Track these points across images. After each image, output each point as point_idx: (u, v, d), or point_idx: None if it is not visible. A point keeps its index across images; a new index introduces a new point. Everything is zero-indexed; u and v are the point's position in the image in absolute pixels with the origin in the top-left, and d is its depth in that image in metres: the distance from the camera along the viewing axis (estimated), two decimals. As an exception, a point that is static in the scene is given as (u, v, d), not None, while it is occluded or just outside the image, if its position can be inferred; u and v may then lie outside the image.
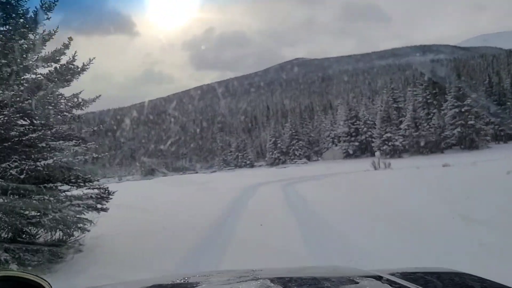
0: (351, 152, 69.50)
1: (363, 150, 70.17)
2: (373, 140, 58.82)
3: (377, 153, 23.83)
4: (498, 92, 61.84)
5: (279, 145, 78.91)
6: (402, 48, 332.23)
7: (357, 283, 1.39)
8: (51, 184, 5.76)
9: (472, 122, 52.26)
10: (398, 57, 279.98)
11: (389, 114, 56.11)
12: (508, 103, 59.97)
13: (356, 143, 68.25)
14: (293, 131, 79.27)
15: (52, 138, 5.98)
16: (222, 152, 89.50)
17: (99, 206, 6.42)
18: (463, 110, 52.60)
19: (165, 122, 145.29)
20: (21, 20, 5.74)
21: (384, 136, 54.32)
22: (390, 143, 53.98)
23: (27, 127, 5.81)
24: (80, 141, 6.32)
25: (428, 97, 60.98)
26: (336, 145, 74.60)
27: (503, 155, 37.05)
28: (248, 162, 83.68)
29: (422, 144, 52.70)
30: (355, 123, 68.55)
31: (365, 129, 67.60)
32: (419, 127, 54.65)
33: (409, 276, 1.68)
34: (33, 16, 5.82)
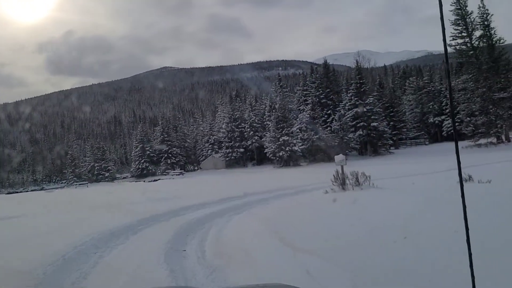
0: (234, 159, 58.95)
1: (250, 157, 60.15)
2: (265, 145, 48.98)
3: (339, 157, 12.31)
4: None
5: (148, 152, 64.36)
6: (266, 62, 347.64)
7: None
8: None
9: (375, 123, 46.01)
10: (262, 70, 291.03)
11: (285, 114, 46.83)
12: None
13: (241, 149, 57.96)
14: (165, 135, 65.60)
15: None
16: (72, 163, 70.69)
17: None
18: (365, 110, 46.08)
19: (10, 130, 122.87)
20: None
21: (280, 140, 44.71)
22: (287, 148, 44.59)
23: None
24: None
25: (321, 96, 53.84)
26: (217, 152, 63.32)
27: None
28: (107, 174, 66.99)
29: (323, 149, 44.48)
30: (240, 126, 58.29)
31: (251, 132, 57.77)
32: (319, 130, 46.53)
33: None
34: None
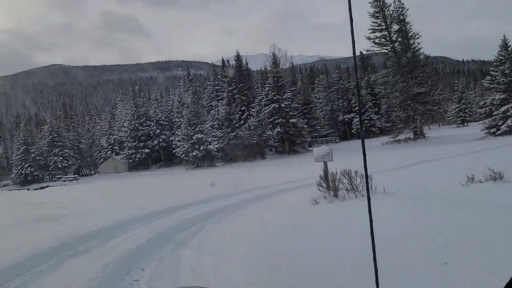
0: (139, 161, 52.64)
1: (156, 158, 54.17)
2: (175, 144, 43.85)
3: (321, 150, 8.35)
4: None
5: (33, 155, 54.72)
6: (166, 62, 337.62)
7: None
8: None
9: (294, 120, 43.61)
10: (162, 70, 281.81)
11: (198, 110, 42.17)
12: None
13: (147, 150, 51.83)
14: (55, 135, 56.49)
15: None
16: None
17: None
18: (283, 105, 43.44)
19: None
20: None
21: (194, 138, 39.95)
22: (202, 147, 40.01)
23: None
24: None
25: (235, 91, 50.19)
26: (118, 154, 56.23)
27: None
28: (-20, 182, 55.68)
29: (241, 147, 40.85)
30: (145, 124, 52.15)
31: (158, 131, 52.01)
32: (235, 126, 42.80)
33: None
34: None
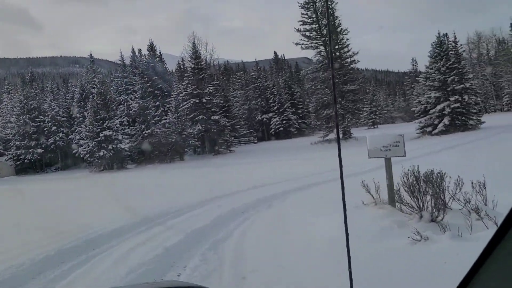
0: (29, 163, 44.43)
1: (52, 159, 46.14)
2: (79, 142, 37.24)
3: (377, 137, 4.72)
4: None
5: None
6: (61, 58, 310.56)
7: None
8: None
9: (216, 117, 39.75)
10: (56, 66, 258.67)
11: (106, 102, 36.16)
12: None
13: (39, 150, 43.74)
14: None
15: None
16: None
17: None
18: (204, 100, 39.36)
19: None
20: None
21: (101, 135, 33.89)
22: (111, 146, 34.11)
23: None
24: None
25: (148, 85, 44.70)
26: (2, 155, 47.08)
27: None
28: None
29: (158, 146, 35.86)
30: (37, 119, 44.06)
31: (54, 128, 44.31)
32: (151, 123, 37.67)
33: None
34: None
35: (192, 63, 40.91)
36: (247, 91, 63.08)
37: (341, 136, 36.14)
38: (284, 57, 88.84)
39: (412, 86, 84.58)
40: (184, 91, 40.30)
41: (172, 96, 42.17)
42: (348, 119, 35.60)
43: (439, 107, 27.88)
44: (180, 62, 50.69)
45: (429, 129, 28.22)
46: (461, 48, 33.40)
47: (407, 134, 32.48)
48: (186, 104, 39.53)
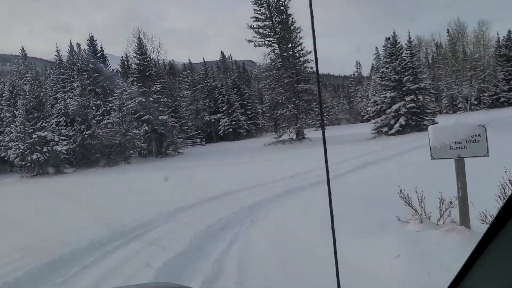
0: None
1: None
2: (8, 145, 33.32)
3: (448, 128, 3.37)
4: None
5: None
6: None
7: None
8: None
9: (164, 117, 37.38)
10: None
11: (41, 100, 32.60)
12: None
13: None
14: None
15: None
16: None
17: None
18: (150, 99, 36.86)
19: None
20: None
21: (34, 136, 30.34)
22: (46, 149, 30.66)
23: None
24: None
25: (88, 82, 41.18)
26: None
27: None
28: None
29: (100, 148, 32.90)
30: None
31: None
32: (91, 123, 34.57)
33: None
34: None
35: (138, 59, 38.28)
36: (195, 91, 60.85)
37: (294, 137, 35.22)
38: (232, 57, 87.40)
39: (357, 88, 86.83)
40: (129, 89, 37.48)
41: (115, 94, 39.03)
42: (302, 119, 34.67)
43: (395, 107, 27.67)
44: (124, 58, 47.47)
45: (385, 129, 27.91)
46: (416, 48, 33.68)
47: (360, 134, 32.23)
48: (131, 102, 36.72)
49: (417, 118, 28.14)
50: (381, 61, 73.79)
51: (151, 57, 43.77)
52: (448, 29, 66.50)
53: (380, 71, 30.05)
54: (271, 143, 34.70)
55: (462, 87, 60.45)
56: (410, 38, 31.43)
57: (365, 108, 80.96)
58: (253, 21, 34.60)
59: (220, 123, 58.37)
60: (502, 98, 59.03)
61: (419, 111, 28.14)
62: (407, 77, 28.04)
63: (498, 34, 62.96)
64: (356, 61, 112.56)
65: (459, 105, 62.57)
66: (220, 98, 58.84)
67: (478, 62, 60.36)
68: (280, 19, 35.21)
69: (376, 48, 76.78)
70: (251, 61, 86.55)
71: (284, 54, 34.89)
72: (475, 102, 59.70)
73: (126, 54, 45.58)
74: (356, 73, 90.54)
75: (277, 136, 35.23)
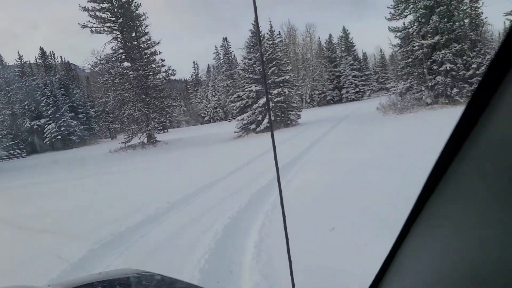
0: None
1: None
2: None
3: None
4: None
5: None
6: None
7: None
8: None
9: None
10: None
11: None
12: None
13: None
14: None
15: None
16: None
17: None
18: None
19: None
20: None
21: None
22: None
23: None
24: None
25: None
26: None
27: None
28: None
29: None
30: None
31: None
32: None
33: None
34: None
35: None
36: (9, 92, 50.12)
37: (145, 140, 30.98)
38: (54, 54, 75.89)
39: (195, 89, 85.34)
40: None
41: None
42: (155, 119, 30.63)
43: (262, 101, 26.11)
44: None
45: (253, 126, 26.10)
46: (278, 37, 32.88)
47: (219, 135, 29.90)
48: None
49: (282, 114, 27.29)
50: (221, 60, 73.98)
51: None
52: (279, 31, 69.98)
53: (243, 62, 28.08)
54: (118, 149, 29.57)
55: (298, 85, 64.17)
56: (271, 27, 30.36)
57: (205, 110, 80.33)
58: (88, 1, 29.02)
59: (46, 129, 49.30)
60: (328, 97, 64.81)
61: (285, 105, 27.29)
62: (271, 69, 26.90)
63: (319, 38, 69.10)
64: (194, 61, 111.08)
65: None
66: (44, 100, 49.71)
67: (309, 63, 64.91)
68: (121, 2, 30.51)
69: (216, 47, 76.28)
70: (75, 65, 77.13)
71: (128, 44, 30.34)
72: (309, 100, 64.00)
73: None
74: (194, 74, 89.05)
75: (125, 141, 30.35)
